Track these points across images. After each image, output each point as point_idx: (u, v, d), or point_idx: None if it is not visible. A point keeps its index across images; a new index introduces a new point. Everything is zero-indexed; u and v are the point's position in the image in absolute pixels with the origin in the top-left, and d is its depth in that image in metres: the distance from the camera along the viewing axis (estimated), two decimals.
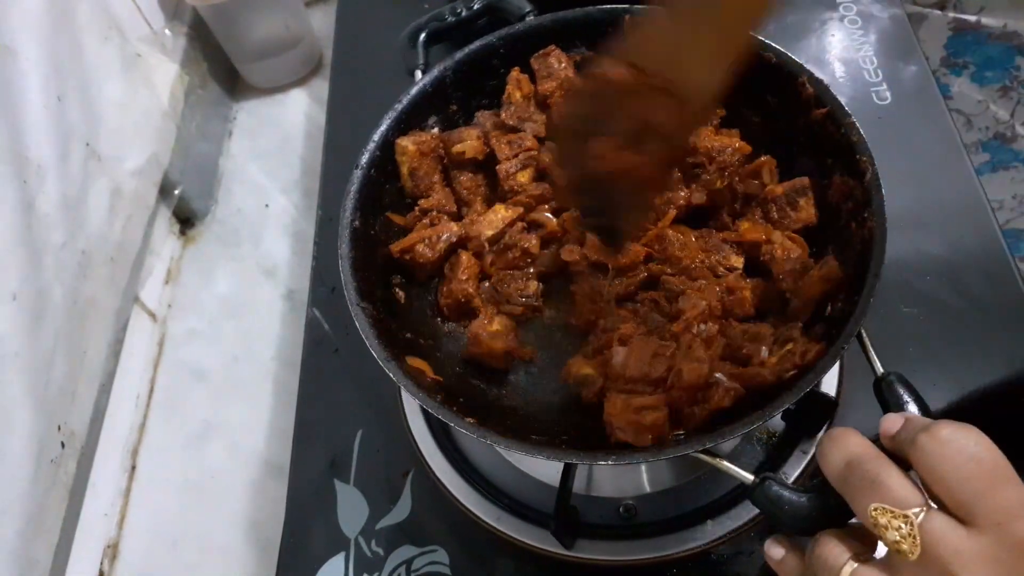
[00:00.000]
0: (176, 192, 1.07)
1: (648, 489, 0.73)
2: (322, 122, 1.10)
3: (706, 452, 0.55)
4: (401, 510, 0.77)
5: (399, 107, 0.75)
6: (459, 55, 0.77)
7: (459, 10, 0.81)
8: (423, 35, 0.80)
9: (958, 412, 0.74)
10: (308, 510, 0.79)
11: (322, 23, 1.25)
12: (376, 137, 0.73)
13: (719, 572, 0.69)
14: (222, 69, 1.22)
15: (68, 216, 0.84)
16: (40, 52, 0.82)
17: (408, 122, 0.75)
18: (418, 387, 0.60)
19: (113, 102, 0.95)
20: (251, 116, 1.23)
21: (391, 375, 0.60)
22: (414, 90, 0.76)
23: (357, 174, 0.71)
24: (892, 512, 0.43)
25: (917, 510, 0.43)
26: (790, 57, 0.71)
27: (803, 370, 0.58)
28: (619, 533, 0.71)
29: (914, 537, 0.42)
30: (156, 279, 1.05)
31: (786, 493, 0.51)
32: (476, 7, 0.81)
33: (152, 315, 1.02)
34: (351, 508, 0.78)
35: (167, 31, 1.12)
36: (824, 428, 0.73)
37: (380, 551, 0.75)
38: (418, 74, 0.78)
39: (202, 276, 1.08)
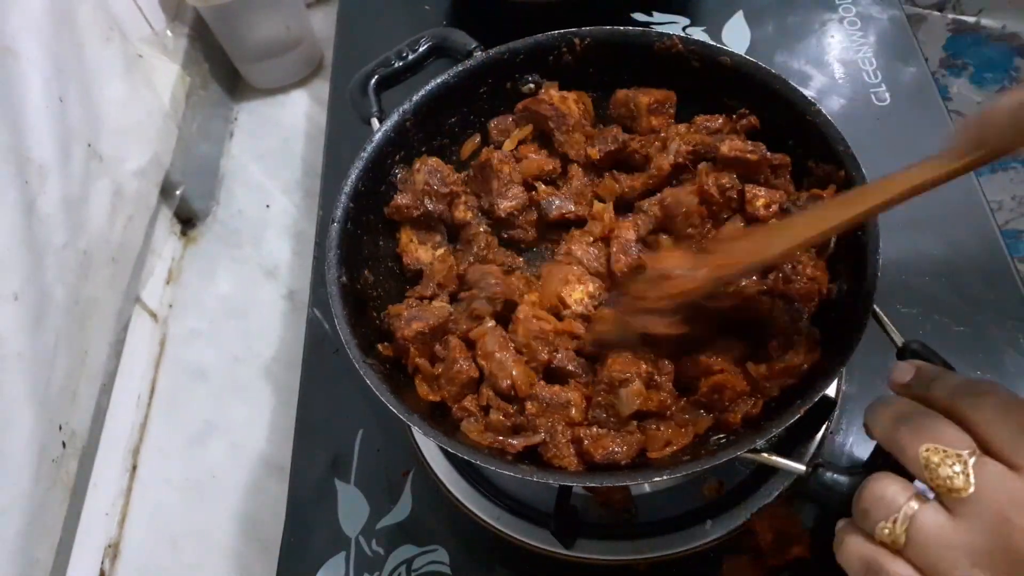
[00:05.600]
0: (177, 192, 1.08)
1: (648, 489, 0.73)
2: (323, 123, 1.10)
3: (752, 451, 0.55)
4: (402, 510, 0.77)
5: (364, 156, 0.73)
6: (416, 97, 0.76)
7: (404, 53, 0.80)
8: (372, 82, 0.79)
9: None
10: (309, 510, 0.79)
11: (323, 24, 1.26)
12: (347, 189, 0.71)
13: (719, 572, 0.69)
14: (223, 70, 1.22)
15: (69, 216, 0.85)
16: (41, 53, 0.82)
17: (374, 170, 0.74)
18: (447, 436, 0.59)
19: (114, 103, 0.95)
20: (252, 117, 1.23)
21: (418, 428, 0.59)
22: (377, 137, 0.74)
23: (335, 229, 0.69)
24: (945, 451, 0.44)
25: (968, 451, 0.44)
26: (746, 59, 0.71)
27: (829, 355, 0.58)
28: (619, 532, 0.71)
29: (967, 475, 0.43)
30: (157, 279, 1.05)
31: (841, 477, 0.51)
32: (422, 48, 0.80)
33: (153, 315, 1.02)
34: (352, 508, 0.78)
35: (168, 32, 1.13)
36: (823, 428, 0.73)
37: (380, 551, 0.75)
38: (374, 122, 0.76)
39: (203, 276, 1.08)
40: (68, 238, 0.84)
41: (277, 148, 1.18)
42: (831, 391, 0.74)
